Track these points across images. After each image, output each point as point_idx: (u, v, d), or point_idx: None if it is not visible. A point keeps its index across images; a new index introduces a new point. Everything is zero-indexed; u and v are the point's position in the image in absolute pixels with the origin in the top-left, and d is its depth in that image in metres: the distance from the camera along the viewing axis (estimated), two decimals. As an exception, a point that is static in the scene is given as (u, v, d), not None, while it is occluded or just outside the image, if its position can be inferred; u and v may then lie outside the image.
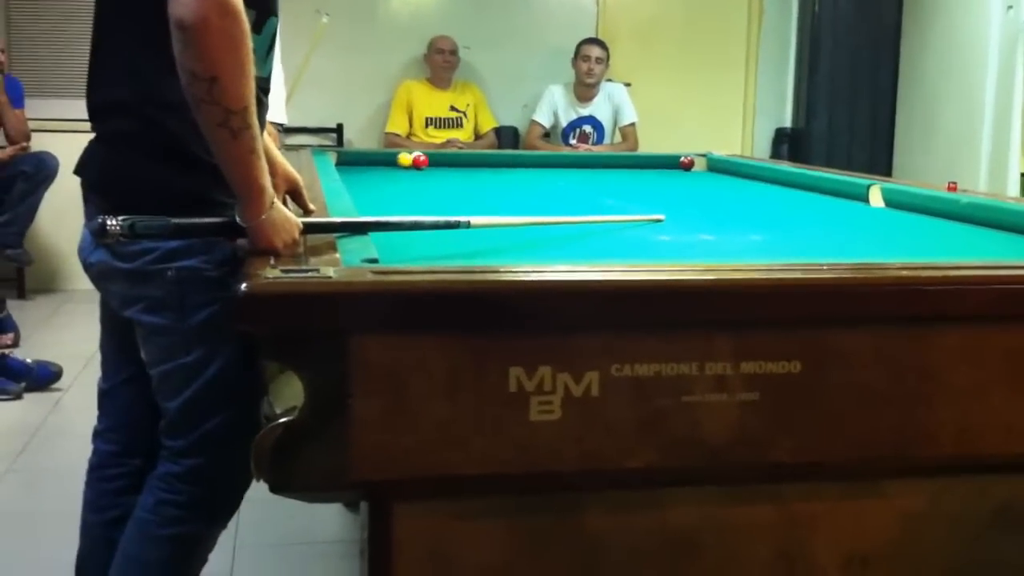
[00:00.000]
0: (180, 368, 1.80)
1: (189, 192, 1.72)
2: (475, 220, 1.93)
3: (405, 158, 3.97)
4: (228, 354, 1.78)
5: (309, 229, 1.76)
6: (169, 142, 1.72)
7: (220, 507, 1.90)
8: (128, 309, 1.83)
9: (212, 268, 1.75)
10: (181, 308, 1.76)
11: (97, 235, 1.62)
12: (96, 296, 1.98)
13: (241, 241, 1.69)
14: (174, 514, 1.84)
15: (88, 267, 1.87)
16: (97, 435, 2.06)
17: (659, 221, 2.38)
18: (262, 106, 1.80)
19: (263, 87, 1.76)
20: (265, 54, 1.79)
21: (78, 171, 1.86)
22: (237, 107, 1.55)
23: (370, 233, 1.80)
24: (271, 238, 1.62)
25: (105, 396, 2.06)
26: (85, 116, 1.83)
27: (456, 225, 1.90)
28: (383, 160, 4.10)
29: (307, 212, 1.95)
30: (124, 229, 1.59)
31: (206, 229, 1.72)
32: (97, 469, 2.04)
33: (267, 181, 1.63)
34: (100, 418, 2.06)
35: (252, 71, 1.57)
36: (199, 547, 1.90)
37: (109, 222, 1.58)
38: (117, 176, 1.78)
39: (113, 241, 1.64)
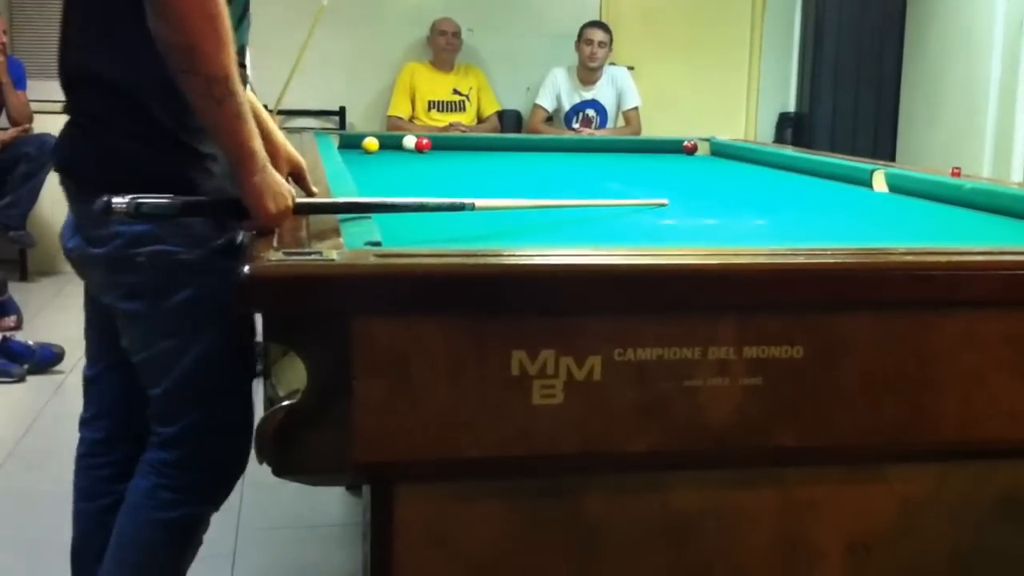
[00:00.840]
0: (160, 355, 1.78)
1: (168, 177, 1.68)
2: (479, 203, 1.93)
3: (371, 143, 3.86)
4: (209, 338, 1.76)
5: (312, 210, 1.75)
6: (148, 122, 1.69)
7: (215, 491, 1.88)
8: (106, 296, 1.82)
9: (185, 251, 1.72)
10: (156, 294, 1.74)
11: (102, 214, 1.59)
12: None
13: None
14: (169, 498, 1.83)
15: (67, 253, 1.85)
16: (83, 423, 2.04)
17: (663, 206, 2.38)
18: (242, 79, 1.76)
19: (240, 60, 1.72)
20: (237, 24, 1.75)
21: (53, 154, 1.84)
22: (219, 75, 1.54)
23: (374, 215, 1.80)
24: (263, 199, 1.61)
25: (90, 383, 2.05)
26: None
27: (460, 207, 1.89)
28: (386, 143, 4.09)
29: (310, 194, 1.94)
30: (130, 208, 1.57)
31: (213, 208, 1.70)
32: (85, 458, 2.02)
33: (257, 144, 1.62)
34: (86, 406, 2.05)
35: (231, 37, 1.57)
36: (196, 528, 1.90)
37: (115, 200, 1.56)
38: (90, 160, 1.74)
39: (118, 220, 1.62)
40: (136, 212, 1.58)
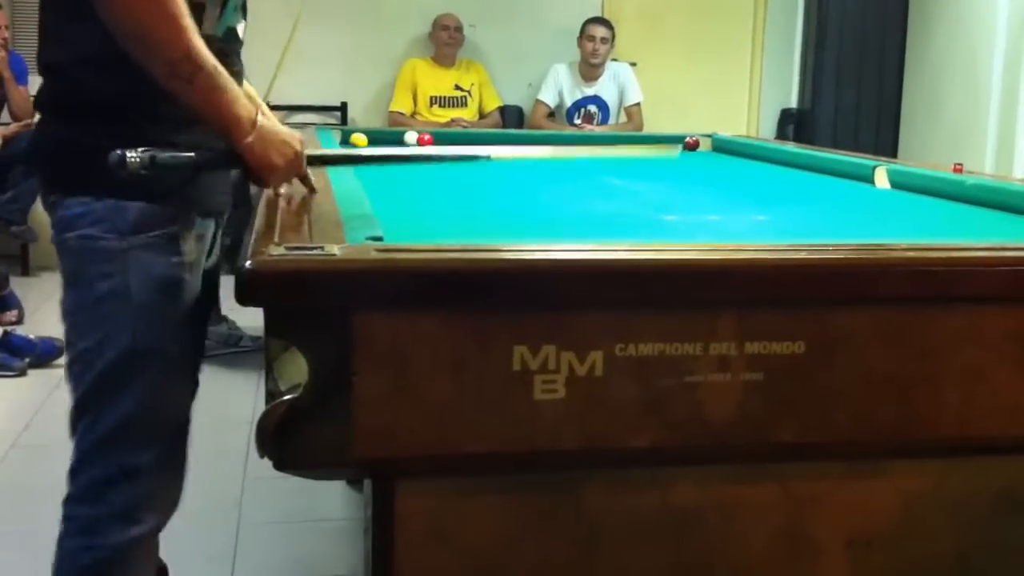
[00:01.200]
0: (77, 357, 1.63)
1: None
2: (495, 153, 1.90)
3: (359, 139, 3.84)
4: (127, 342, 1.59)
5: (324, 161, 1.69)
6: (95, 105, 1.61)
7: (136, 518, 1.63)
8: None
9: (114, 237, 1.60)
10: (78, 283, 1.62)
11: (117, 169, 1.51)
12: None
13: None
14: (81, 543, 1.62)
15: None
16: None
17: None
18: (237, 73, 1.69)
19: (222, 48, 1.65)
20: (223, 5, 1.70)
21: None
22: (178, 56, 1.50)
23: (375, 214, 1.80)
24: (267, 157, 1.58)
25: None
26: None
27: (475, 158, 1.85)
28: (387, 139, 4.08)
29: (311, 191, 1.91)
30: (145, 162, 1.51)
31: (230, 160, 1.62)
32: None
33: (239, 109, 1.56)
34: None
35: (182, 10, 1.50)
36: (128, 564, 1.65)
37: (129, 155, 1.50)
38: (41, 147, 1.69)
39: (133, 173, 1.52)
40: (151, 165, 1.51)
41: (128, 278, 1.60)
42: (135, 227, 1.61)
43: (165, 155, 1.54)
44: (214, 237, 1.82)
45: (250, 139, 1.56)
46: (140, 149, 1.51)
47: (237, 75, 1.67)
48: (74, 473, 1.64)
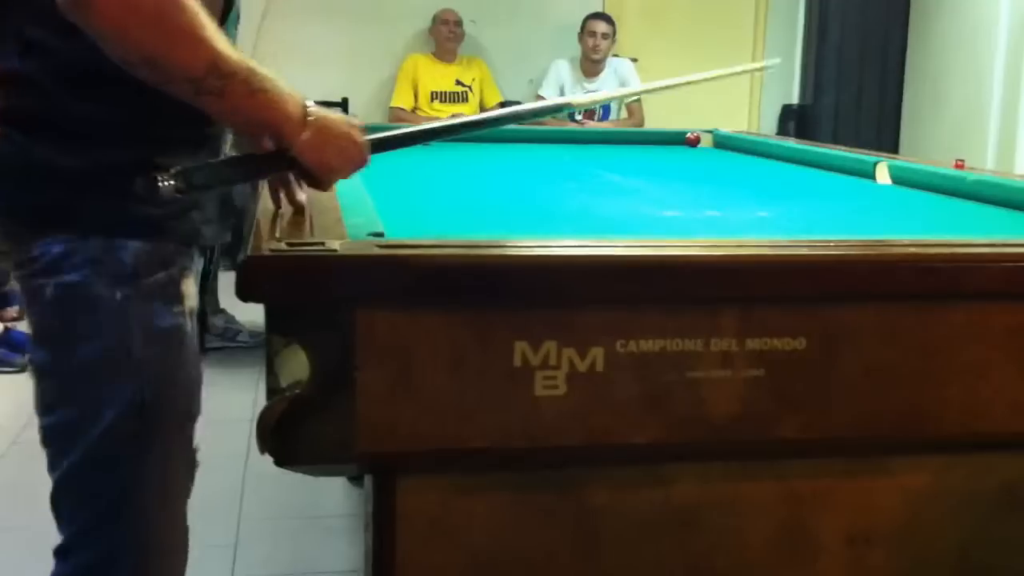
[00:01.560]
0: (59, 427, 1.42)
1: (86, 186, 1.35)
2: (576, 101, 1.86)
3: None
4: (125, 408, 1.38)
5: (392, 144, 1.51)
6: (83, 123, 1.37)
7: None
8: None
9: (105, 284, 1.35)
10: (59, 340, 1.37)
11: (145, 197, 1.30)
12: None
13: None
14: None
15: None
16: None
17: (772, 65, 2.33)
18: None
19: None
20: (224, 18, 1.47)
21: None
22: (199, 72, 1.26)
23: (376, 210, 1.80)
24: (326, 154, 1.37)
25: None
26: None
27: (560, 109, 1.74)
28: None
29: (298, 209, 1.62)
30: (180, 184, 1.29)
31: (265, 164, 1.43)
32: None
33: (287, 105, 1.34)
34: None
35: (194, 18, 1.25)
36: None
37: (160, 180, 1.28)
38: (3, 169, 1.40)
39: (168, 198, 1.31)
40: (188, 186, 1.31)
41: (127, 336, 1.36)
42: (134, 271, 1.36)
43: (202, 170, 1.34)
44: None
45: (305, 136, 1.35)
46: (173, 169, 1.30)
47: None
48: (65, 553, 1.45)
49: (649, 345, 1.37)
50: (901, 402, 1.45)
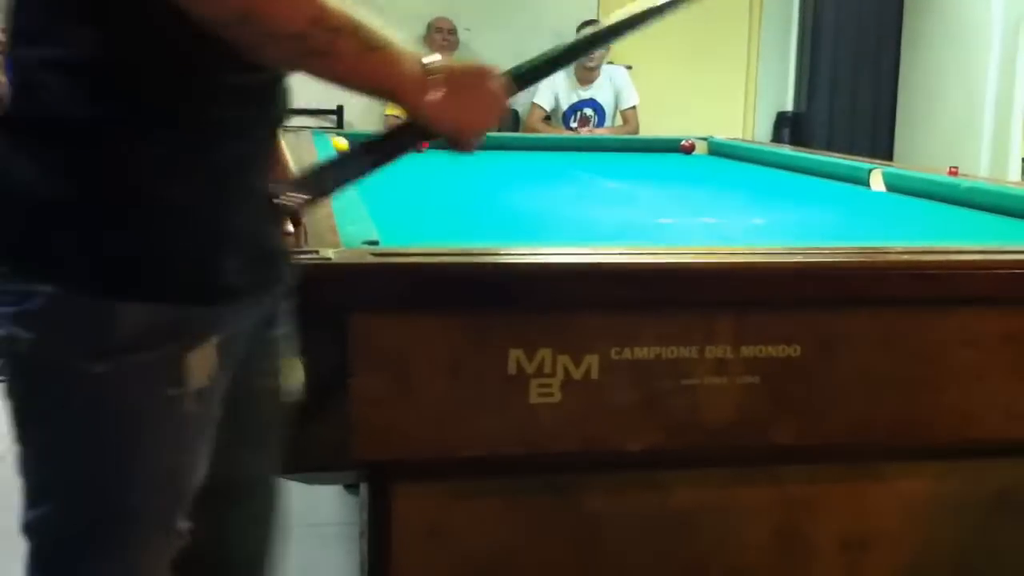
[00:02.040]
0: (37, 518, 1.15)
1: (59, 199, 1.04)
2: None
3: (339, 143, 3.81)
4: (92, 510, 1.11)
5: (530, 78, 1.33)
6: (49, 119, 1.05)
7: None
8: None
9: (87, 358, 1.05)
10: (24, 406, 1.10)
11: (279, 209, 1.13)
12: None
13: None
14: None
15: None
16: None
17: None
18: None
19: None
20: None
21: None
22: (301, 26, 1.05)
23: (370, 217, 1.80)
24: (458, 116, 1.18)
25: None
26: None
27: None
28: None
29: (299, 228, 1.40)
30: (313, 188, 1.16)
31: (395, 144, 1.25)
32: None
33: (405, 65, 1.14)
34: None
35: None
36: None
37: (286, 194, 1.14)
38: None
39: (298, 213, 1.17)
40: (320, 191, 1.18)
41: (96, 419, 1.08)
42: (122, 345, 1.05)
43: (324, 171, 1.20)
44: (271, 323, 1.20)
45: (431, 97, 1.16)
46: (295, 180, 1.15)
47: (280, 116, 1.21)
48: None
49: (644, 352, 1.37)
50: (895, 408, 1.46)
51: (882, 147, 6.84)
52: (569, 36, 6.27)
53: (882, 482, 1.53)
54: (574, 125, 6.19)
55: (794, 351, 1.41)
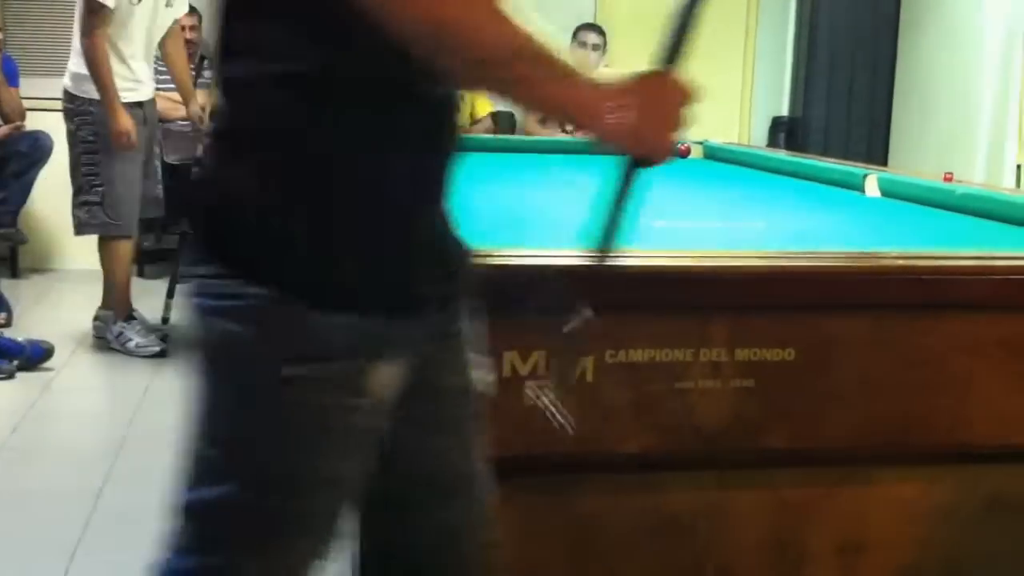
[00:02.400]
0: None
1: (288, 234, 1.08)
2: None
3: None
4: (265, 498, 1.14)
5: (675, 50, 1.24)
6: (267, 131, 1.09)
7: None
8: None
9: (271, 361, 1.08)
10: (214, 387, 1.14)
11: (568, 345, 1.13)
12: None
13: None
14: None
15: None
16: None
17: None
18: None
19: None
20: None
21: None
22: (505, 56, 1.06)
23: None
24: (638, 134, 1.14)
25: None
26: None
27: None
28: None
29: None
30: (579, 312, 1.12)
31: (626, 179, 1.21)
32: None
33: (580, 90, 1.12)
34: None
35: None
36: None
37: (580, 316, 1.12)
38: (202, 195, 1.15)
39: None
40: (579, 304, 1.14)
41: (275, 418, 1.10)
42: (320, 353, 1.08)
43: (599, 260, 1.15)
44: (454, 335, 1.21)
45: (610, 119, 1.13)
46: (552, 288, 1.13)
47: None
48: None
49: (639, 355, 1.37)
50: (890, 413, 1.46)
51: (877, 152, 6.84)
52: (565, 39, 6.25)
53: (876, 486, 1.53)
54: (570, 128, 6.20)
55: (788, 355, 1.41)
